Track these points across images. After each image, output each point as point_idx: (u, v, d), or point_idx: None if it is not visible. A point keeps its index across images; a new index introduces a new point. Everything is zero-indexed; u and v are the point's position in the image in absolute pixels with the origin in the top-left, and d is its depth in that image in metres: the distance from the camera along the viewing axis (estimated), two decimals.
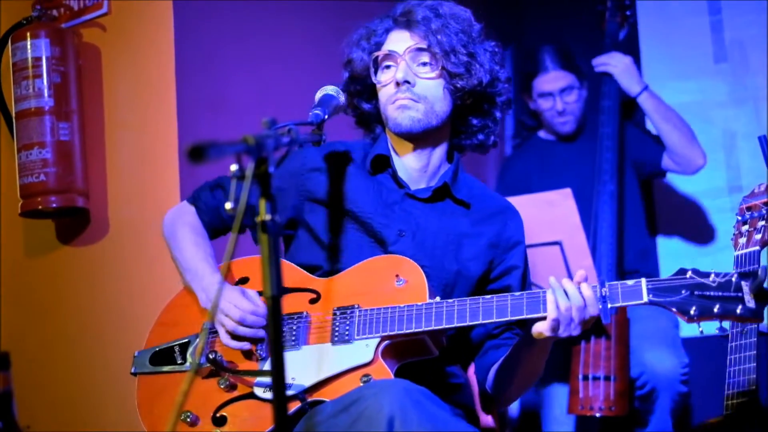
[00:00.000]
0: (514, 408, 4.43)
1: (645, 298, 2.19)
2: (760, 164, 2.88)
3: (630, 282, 2.22)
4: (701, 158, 4.06)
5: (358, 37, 2.57)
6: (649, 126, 4.28)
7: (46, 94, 3.28)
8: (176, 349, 2.48)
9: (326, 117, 2.37)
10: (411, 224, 2.50)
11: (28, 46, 3.28)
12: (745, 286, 2.14)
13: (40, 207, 3.28)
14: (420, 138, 2.50)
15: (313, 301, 2.41)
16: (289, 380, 2.28)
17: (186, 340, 2.48)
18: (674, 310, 2.17)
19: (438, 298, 2.32)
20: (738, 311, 2.14)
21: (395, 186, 2.53)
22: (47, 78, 3.28)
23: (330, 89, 2.46)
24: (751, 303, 2.13)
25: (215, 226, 2.62)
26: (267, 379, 2.32)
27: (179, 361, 2.47)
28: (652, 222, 4.40)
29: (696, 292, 2.17)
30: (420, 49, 2.47)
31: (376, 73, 2.51)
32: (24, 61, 3.29)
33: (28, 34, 3.30)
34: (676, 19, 4.49)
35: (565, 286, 2.23)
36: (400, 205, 2.51)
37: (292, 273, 2.46)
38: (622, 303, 2.22)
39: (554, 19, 4.87)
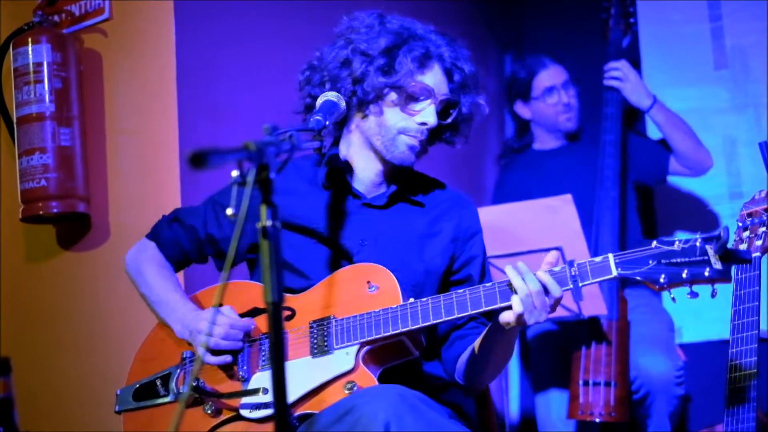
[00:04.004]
0: (514, 413, 4.43)
1: (614, 272, 2.21)
2: (761, 170, 2.88)
3: (598, 259, 2.23)
4: (710, 159, 4.10)
5: (395, 41, 2.50)
6: (649, 131, 4.29)
7: (47, 100, 3.28)
8: (158, 382, 2.50)
9: (327, 123, 2.37)
10: (372, 232, 2.51)
11: (30, 52, 3.29)
12: (709, 248, 2.18)
13: (41, 212, 3.28)
14: None
15: (288, 318, 2.41)
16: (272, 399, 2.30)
17: (167, 372, 2.50)
18: (641, 279, 2.20)
19: (412, 300, 2.33)
20: (706, 273, 2.17)
21: (351, 197, 2.55)
22: (48, 83, 3.29)
23: (331, 95, 2.46)
24: (717, 264, 2.17)
25: (177, 259, 2.66)
26: (252, 399, 2.33)
27: (162, 394, 2.48)
28: (650, 229, 4.40)
29: (663, 261, 2.20)
30: (446, 101, 2.52)
31: (405, 97, 2.48)
32: (25, 67, 3.30)
33: (30, 39, 3.30)
34: (676, 26, 4.49)
35: (523, 272, 2.23)
36: (358, 215, 2.53)
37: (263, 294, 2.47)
38: (593, 280, 2.23)
39: (555, 26, 4.87)
